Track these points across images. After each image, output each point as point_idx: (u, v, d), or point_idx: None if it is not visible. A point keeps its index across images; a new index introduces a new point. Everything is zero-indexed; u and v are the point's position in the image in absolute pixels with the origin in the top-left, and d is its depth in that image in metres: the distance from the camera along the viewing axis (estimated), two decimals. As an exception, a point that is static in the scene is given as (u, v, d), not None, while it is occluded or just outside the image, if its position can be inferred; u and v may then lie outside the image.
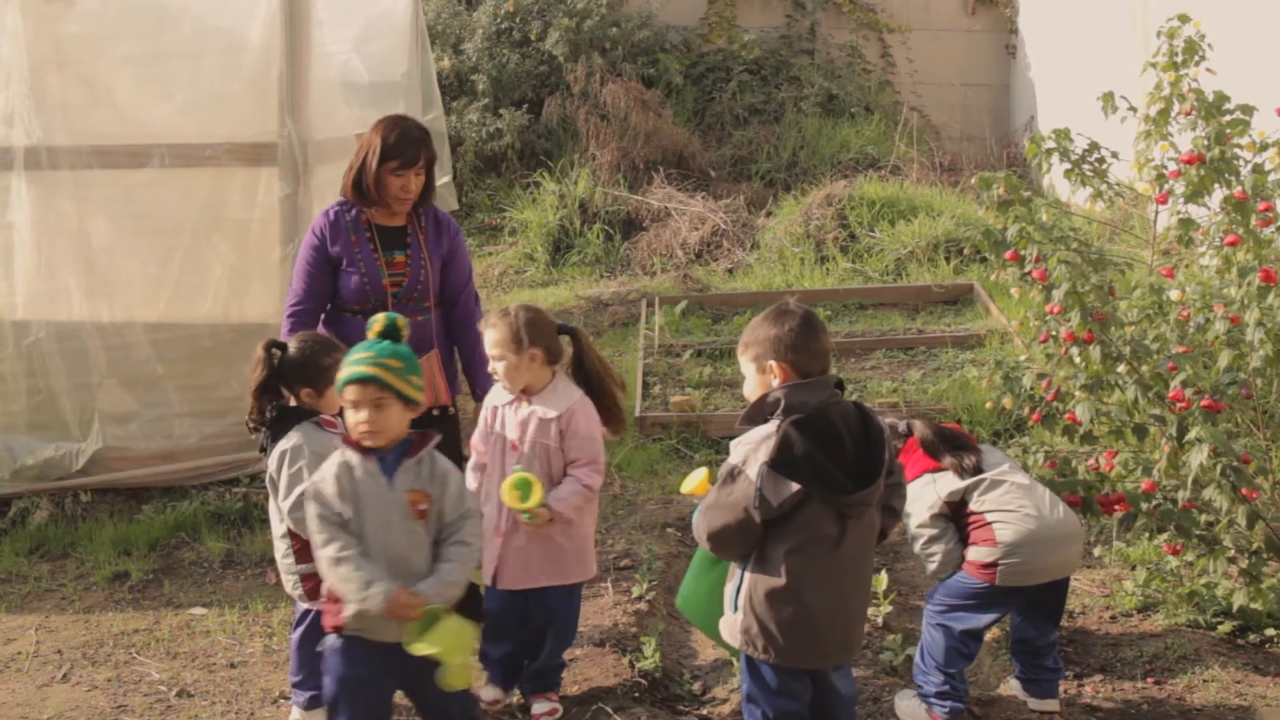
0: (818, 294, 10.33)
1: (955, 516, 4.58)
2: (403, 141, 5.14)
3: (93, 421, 6.90)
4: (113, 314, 6.95)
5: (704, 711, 4.80)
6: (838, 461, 3.58)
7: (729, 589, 3.84)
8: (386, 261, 5.21)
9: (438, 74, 11.18)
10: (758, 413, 3.71)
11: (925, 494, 4.59)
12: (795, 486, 3.55)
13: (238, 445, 6.90)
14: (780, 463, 3.54)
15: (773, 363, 3.75)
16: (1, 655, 5.47)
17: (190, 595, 6.03)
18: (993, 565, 4.42)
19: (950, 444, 4.64)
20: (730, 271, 11.38)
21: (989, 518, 4.47)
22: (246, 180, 6.90)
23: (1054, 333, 5.14)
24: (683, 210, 12.26)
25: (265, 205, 6.88)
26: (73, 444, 6.89)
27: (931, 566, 4.60)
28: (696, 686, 5.05)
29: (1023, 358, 5.69)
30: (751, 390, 3.84)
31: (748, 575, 3.73)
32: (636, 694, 4.82)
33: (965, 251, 10.71)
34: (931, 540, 4.56)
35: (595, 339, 9.77)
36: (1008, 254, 5.27)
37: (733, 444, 3.75)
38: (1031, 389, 5.18)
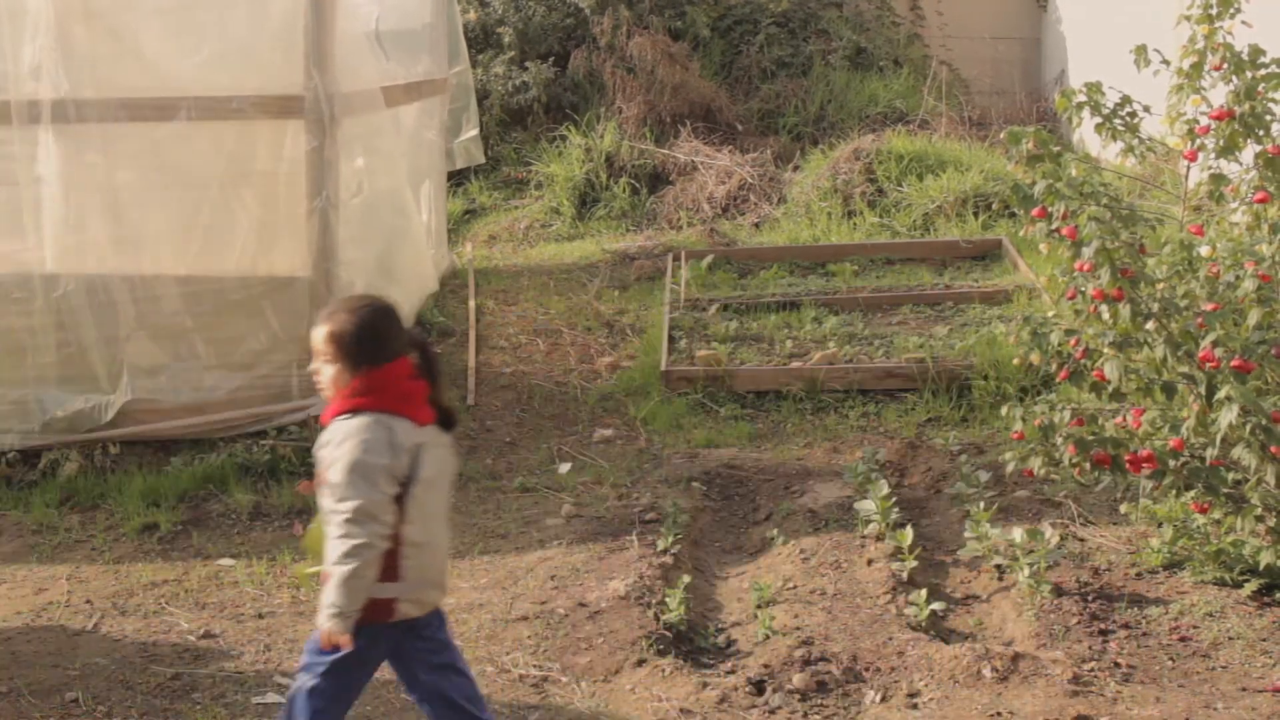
0: (845, 249, 10.30)
1: None
2: None
3: (122, 374, 6.94)
4: (141, 267, 6.98)
5: (729, 664, 4.83)
6: None
7: None
8: None
9: (463, 26, 11.14)
10: None
11: None
12: None
13: (266, 398, 6.94)
14: None
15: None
16: (33, 605, 5.53)
17: (219, 546, 6.08)
18: None
19: None
20: (757, 226, 11.35)
21: None
22: (273, 133, 6.89)
23: (1082, 289, 5.10)
24: (709, 164, 12.21)
25: (292, 158, 6.87)
26: (102, 396, 6.94)
27: None
28: (721, 639, 5.08)
29: (1051, 314, 5.67)
30: None
31: None
32: (661, 647, 4.85)
33: (994, 207, 10.65)
34: None
35: (621, 293, 9.79)
36: (1035, 210, 5.23)
37: None
38: (1059, 346, 5.15)
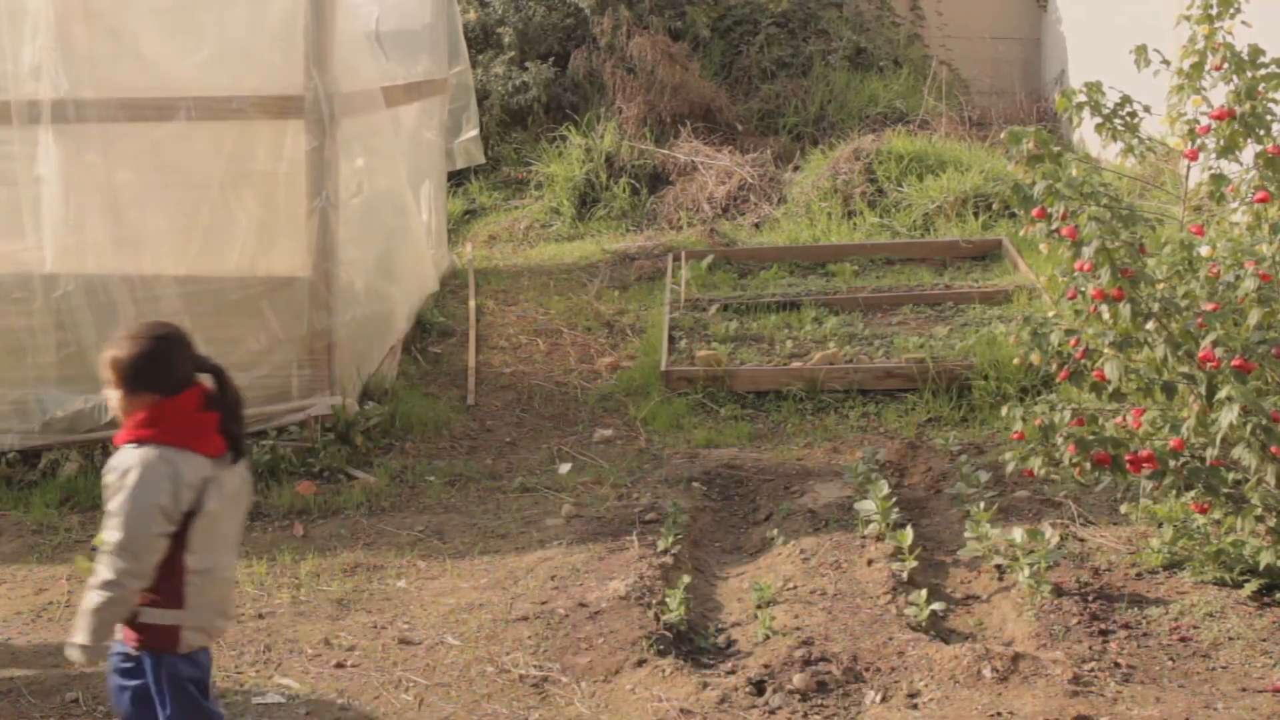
0: (845, 249, 10.29)
1: None
2: None
3: (121, 374, 6.93)
4: (140, 267, 6.97)
5: (729, 665, 4.83)
6: None
7: None
8: None
9: (463, 26, 11.14)
10: None
11: None
12: None
13: (264, 398, 6.93)
14: None
15: None
16: (34, 605, 5.53)
17: (219, 547, 6.07)
18: None
19: None
20: (757, 226, 11.35)
21: None
22: (273, 133, 6.90)
23: (1082, 289, 5.10)
24: (709, 164, 12.21)
25: (292, 158, 6.88)
26: (102, 396, 6.91)
27: None
28: (721, 639, 5.08)
29: (1051, 314, 5.67)
30: None
31: None
32: (661, 647, 4.85)
33: (994, 207, 10.65)
34: None
35: (621, 293, 9.79)
36: (1035, 210, 5.23)
37: None
38: (1059, 346, 5.15)
